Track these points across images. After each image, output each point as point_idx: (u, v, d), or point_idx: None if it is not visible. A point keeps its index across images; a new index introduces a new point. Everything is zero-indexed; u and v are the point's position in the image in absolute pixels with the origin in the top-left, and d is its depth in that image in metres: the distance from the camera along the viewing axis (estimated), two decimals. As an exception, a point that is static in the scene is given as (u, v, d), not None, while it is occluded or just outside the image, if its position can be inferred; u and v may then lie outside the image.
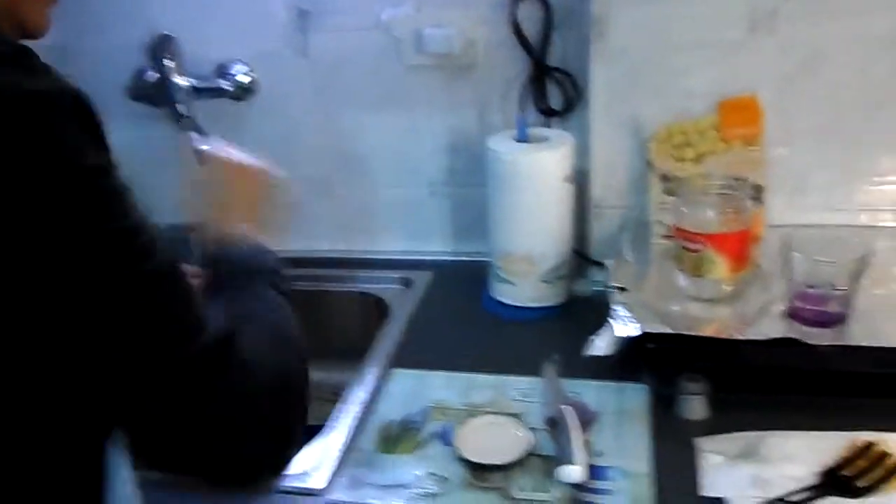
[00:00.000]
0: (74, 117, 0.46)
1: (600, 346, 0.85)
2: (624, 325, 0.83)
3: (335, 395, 1.20)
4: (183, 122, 1.11)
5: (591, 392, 0.88)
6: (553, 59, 1.09)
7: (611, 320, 0.86)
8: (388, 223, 1.27)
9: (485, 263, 1.17)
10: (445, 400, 0.89)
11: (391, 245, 1.28)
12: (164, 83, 1.11)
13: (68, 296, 0.46)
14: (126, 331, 0.48)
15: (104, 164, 0.48)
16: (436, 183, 1.22)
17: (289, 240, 1.27)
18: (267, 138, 1.23)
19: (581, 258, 1.11)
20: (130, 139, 1.26)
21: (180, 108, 1.12)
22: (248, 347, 0.57)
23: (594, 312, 1.02)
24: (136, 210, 0.49)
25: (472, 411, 0.87)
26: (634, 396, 0.87)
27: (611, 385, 0.89)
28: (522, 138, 1.01)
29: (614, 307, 0.88)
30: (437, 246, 1.26)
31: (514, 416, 0.85)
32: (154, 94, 1.17)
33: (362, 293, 1.22)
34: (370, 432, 0.85)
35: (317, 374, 1.26)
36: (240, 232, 0.77)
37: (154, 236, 0.50)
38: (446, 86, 1.14)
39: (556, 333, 1.02)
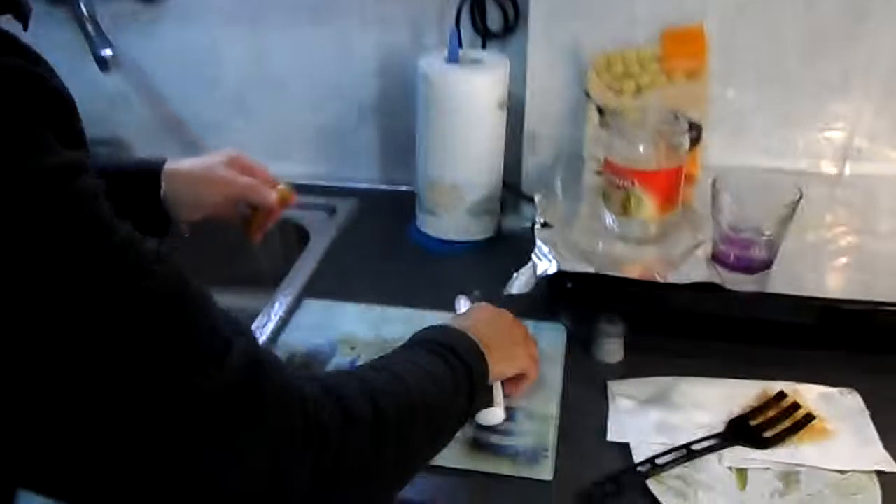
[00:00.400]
0: (25, 104, 0.36)
1: (520, 283, 0.81)
2: (546, 263, 0.79)
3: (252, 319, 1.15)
4: (85, 25, 1.00)
5: (508, 331, 0.84)
6: (494, -25, 1.01)
7: (533, 257, 0.82)
8: (313, 148, 1.19)
9: (414, 194, 1.12)
10: (355, 333, 0.85)
11: (314, 170, 1.20)
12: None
13: (32, 334, 0.36)
14: (115, 375, 0.37)
15: (70, 164, 0.37)
16: (365, 108, 1.15)
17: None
18: (179, 49, 1.14)
19: (512, 191, 1.06)
20: (26, 39, 1.15)
21: (83, 7, 1.01)
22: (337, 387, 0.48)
23: (523, 250, 0.99)
24: (113, 221, 0.39)
25: (382, 345, 0.82)
26: (551, 336, 0.83)
27: (528, 323, 0.84)
28: (454, 59, 0.94)
29: (538, 244, 0.84)
30: (364, 173, 1.20)
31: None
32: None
33: (282, 220, 1.15)
34: (272, 364, 0.80)
35: (229, 300, 1.22)
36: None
37: (145, 251, 0.40)
38: (380, 1, 1.06)
39: (479, 269, 0.98)
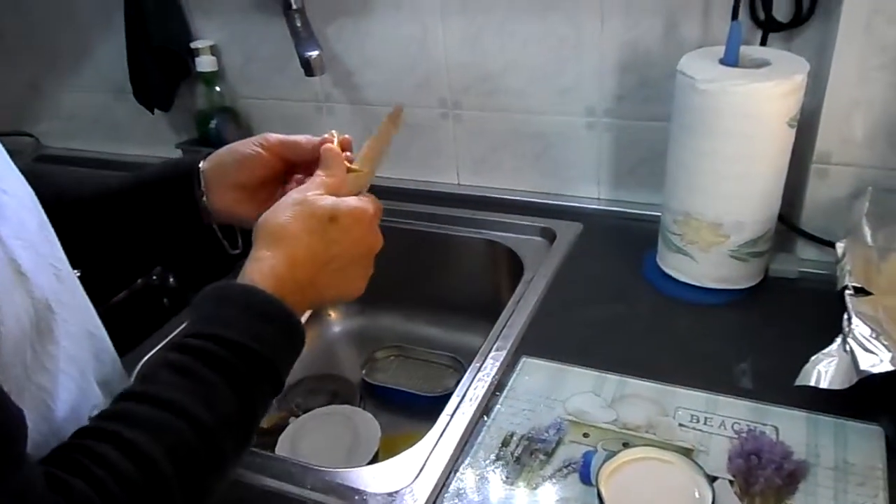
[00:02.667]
0: None
1: (826, 375, 0.59)
2: (869, 357, 0.56)
3: (453, 360, 1.01)
4: (293, 15, 0.90)
5: (796, 428, 0.63)
6: (788, -51, 0.78)
7: (847, 341, 0.59)
8: (531, 158, 1.02)
9: (651, 220, 0.92)
10: (586, 411, 0.67)
11: (532, 185, 1.03)
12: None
13: None
14: None
15: None
16: (596, 111, 0.95)
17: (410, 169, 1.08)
18: (390, 42, 1.01)
19: (788, 228, 0.83)
20: (238, 30, 1.10)
21: (294, 2, 0.91)
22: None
23: (798, 301, 0.78)
24: None
25: (624, 436, 0.64)
26: (864, 442, 0.61)
27: (826, 420, 0.63)
28: (731, 61, 0.72)
29: (852, 319, 0.61)
30: (589, 191, 1.01)
31: (685, 451, 0.61)
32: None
33: (490, 241, 1.00)
34: (484, 447, 0.64)
35: (431, 331, 1.11)
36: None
37: None
38: (627, -17, 0.86)
39: (743, 328, 0.76)
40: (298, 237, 0.53)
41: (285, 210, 0.54)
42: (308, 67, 0.83)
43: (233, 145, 0.66)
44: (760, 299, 0.80)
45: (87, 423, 0.43)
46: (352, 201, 0.56)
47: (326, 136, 0.62)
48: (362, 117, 1.09)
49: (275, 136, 0.65)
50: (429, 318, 1.09)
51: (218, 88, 1.12)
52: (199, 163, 0.66)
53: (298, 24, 0.88)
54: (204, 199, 0.65)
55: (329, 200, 0.55)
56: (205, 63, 1.08)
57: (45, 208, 0.52)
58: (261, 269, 0.51)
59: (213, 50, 1.10)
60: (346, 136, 0.63)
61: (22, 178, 0.51)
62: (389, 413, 0.96)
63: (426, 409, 0.95)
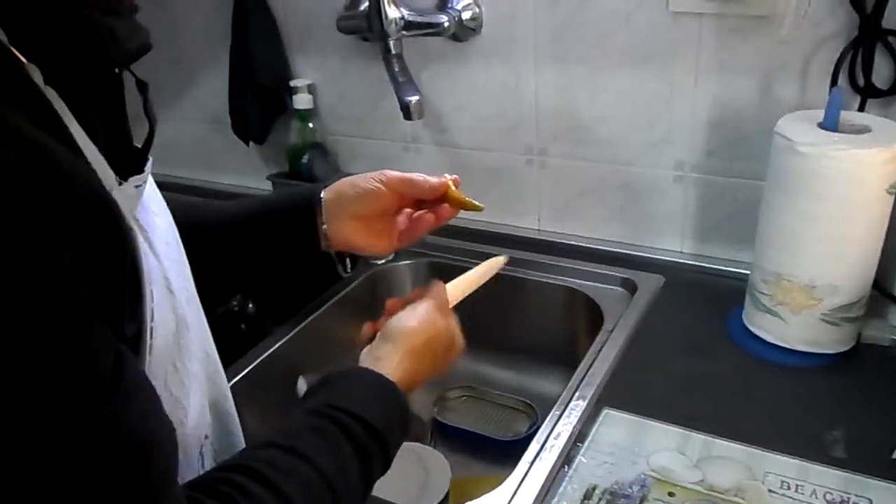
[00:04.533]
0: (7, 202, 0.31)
1: (926, 450, 0.58)
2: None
3: (524, 405, 1.01)
4: (390, 60, 0.93)
5: (892, 502, 0.61)
6: (891, 17, 0.77)
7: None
8: (615, 207, 1.03)
9: (735, 276, 0.92)
10: (671, 470, 0.66)
11: (616, 234, 1.04)
12: (376, 13, 0.93)
13: None
14: None
15: (49, 268, 0.32)
16: (685, 164, 0.96)
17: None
18: (481, 89, 1.04)
19: (882, 294, 0.81)
20: (335, 71, 1.14)
21: (391, 43, 0.94)
22: None
23: (891, 369, 0.77)
24: (84, 341, 0.34)
25: (711, 498, 0.63)
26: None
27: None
28: (831, 125, 0.72)
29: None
30: (673, 244, 1.01)
31: (773, 519, 0.60)
32: (364, 26, 1.01)
33: (569, 288, 1.00)
34: (567, 498, 0.64)
35: (503, 374, 1.11)
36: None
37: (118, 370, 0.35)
38: (724, 42, 0.87)
39: (834, 394, 0.75)
40: (420, 346, 0.62)
41: (410, 319, 0.63)
42: (407, 112, 0.86)
43: (353, 179, 0.70)
44: (851, 365, 0.79)
45: (205, 446, 0.45)
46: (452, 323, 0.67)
47: (443, 178, 0.69)
48: (448, 159, 1.11)
49: (393, 174, 0.69)
50: (501, 361, 1.09)
51: (311, 125, 1.16)
52: (320, 193, 0.70)
53: (396, 69, 0.92)
54: (324, 227, 0.69)
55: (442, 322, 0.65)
56: (302, 101, 1.13)
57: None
58: (392, 365, 0.59)
59: (310, 88, 1.15)
60: (455, 176, 0.69)
61: (163, 201, 0.54)
62: (459, 453, 0.96)
63: (497, 452, 0.95)
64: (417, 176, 0.69)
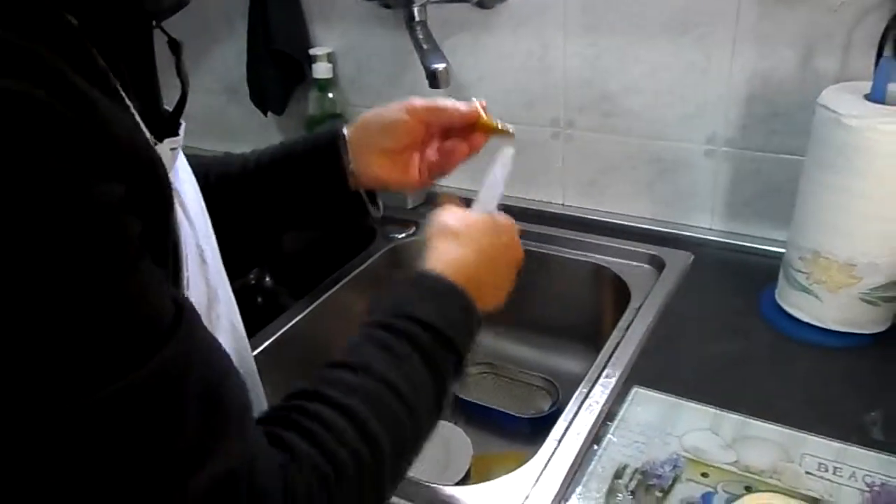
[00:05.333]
0: (29, 135, 0.29)
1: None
2: None
3: (546, 382, 1.00)
4: (414, 27, 0.91)
5: (933, 487, 0.59)
6: (942, -18, 0.74)
7: None
8: (643, 183, 1.00)
9: (767, 255, 0.89)
10: (704, 450, 0.65)
11: (643, 210, 1.01)
12: (400, -22, 0.91)
13: None
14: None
15: (87, 200, 0.30)
16: (717, 138, 0.93)
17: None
18: (508, 60, 1.01)
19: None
20: (356, 40, 1.12)
21: (415, 9, 0.92)
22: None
23: None
24: (125, 279, 0.32)
25: (747, 479, 0.61)
26: None
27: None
28: (879, 97, 0.69)
29: None
30: (704, 220, 0.98)
31: (813, 501, 0.59)
32: (388, -8, 0.99)
33: (595, 265, 0.98)
34: (596, 477, 0.63)
35: (525, 350, 1.09)
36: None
37: (163, 312, 0.34)
38: (764, 10, 0.83)
39: (872, 375, 0.73)
40: (476, 238, 0.58)
41: (460, 214, 0.60)
42: (434, 79, 0.83)
43: (378, 111, 0.67)
44: (889, 346, 0.76)
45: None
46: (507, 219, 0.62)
47: (472, 103, 0.65)
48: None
49: (420, 102, 0.66)
50: (523, 338, 1.07)
51: (331, 95, 1.14)
52: (342, 130, 0.67)
53: (421, 37, 0.89)
54: (351, 165, 0.66)
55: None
56: (321, 70, 1.11)
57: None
58: (447, 261, 0.55)
59: (330, 57, 1.12)
60: (484, 100, 0.66)
61: (190, 169, 0.52)
62: (481, 430, 0.95)
63: (518, 429, 0.94)
64: (447, 102, 0.65)
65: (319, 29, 1.14)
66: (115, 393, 0.31)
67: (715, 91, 0.90)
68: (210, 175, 0.58)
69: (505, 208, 1.06)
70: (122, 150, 0.33)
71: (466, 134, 0.67)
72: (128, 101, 0.37)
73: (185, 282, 0.41)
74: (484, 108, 0.66)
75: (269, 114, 1.21)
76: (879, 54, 0.75)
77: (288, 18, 1.12)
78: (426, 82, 0.87)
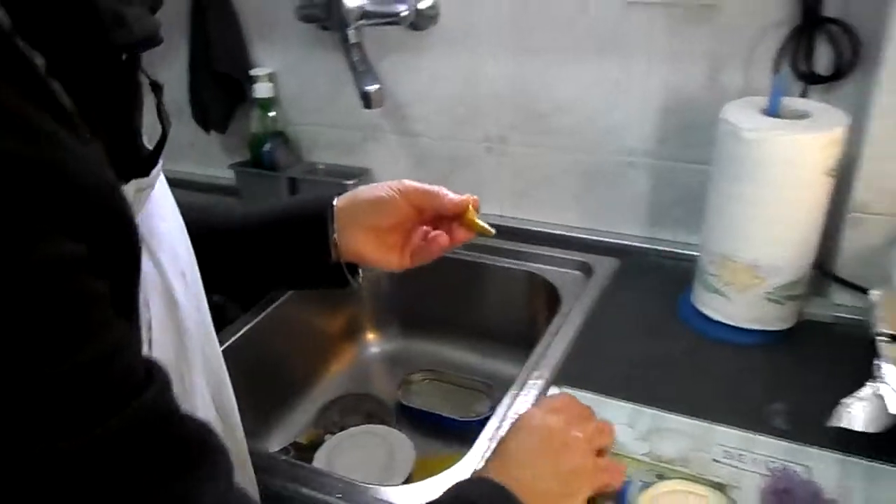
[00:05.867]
0: (9, 192, 0.29)
1: (857, 417, 0.61)
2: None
3: (485, 385, 1.04)
4: (349, 49, 0.95)
5: (828, 468, 0.64)
6: (830, 6, 0.81)
7: (877, 385, 0.61)
8: (571, 193, 1.06)
9: (688, 259, 0.95)
10: (622, 443, 0.69)
11: (573, 220, 1.07)
12: (335, 2, 0.94)
13: None
14: None
15: (61, 259, 0.30)
16: (638, 151, 0.99)
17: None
18: (441, 79, 1.06)
19: (822, 273, 0.85)
20: (296, 60, 1.15)
21: (349, 32, 0.96)
22: None
23: (831, 345, 0.80)
24: (95, 337, 0.31)
25: (658, 468, 0.66)
26: (894, 485, 0.62)
27: (858, 463, 0.65)
28: (774, 111, 0.76)
29: (882, 365, 0.63)
30: (629, 228, 1.04)
31: (718, 486, 0.64)
32: (323, 15, 1.02)
33: (529, 272, 1.03)
34: (523, 471, 0.67)
35: (465, 356, 1.13)
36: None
37: (131, 369, 0.33)
38: (674, 31, 0.90)
39: (778, 369, 0.78)
40: (535, 463, 0.60)
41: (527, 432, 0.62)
42: (367, 100, 0.87)
43: (372, 186, 0.67)
44: (794, 341, 0.82)
45: None
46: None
47: (465, 197, 0.66)
48: (408, 148, 1.13)
49: (412, 185, 0.66)
50: (464, 344, 1.12)
51: (272, 114, 1.17)
52: (332, 200, 0.67)
53: (356, 58, 0.93)
54: (335, 235, 0.66)
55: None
56: (262, 90, 1.14)
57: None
58: (516, 486, 0.56)
59: (271, 77, 1.15)
60: (476, 197, 0.67)
61: (175, 205, 0.51)
62: (423, 435, 0.98)
63: (459, 432, 0.98)
64: (439, 189, 0.66)
65: (260, 49, 1.17)
66: (73, 451, 0.30)
67: (635, 106, 0.96)
68: (191, 225, 0.57)
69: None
70: (89, 202, 0.32)
71: (449, 225, 0.68)
72: (95, 138, 0.36)
73: (145, 323, 0.41)
74: (474, 205, 0.67)
75: (213, 132, 1.23)
76: (776, 70, 0.81)
77: (229, 39, 1.14)
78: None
